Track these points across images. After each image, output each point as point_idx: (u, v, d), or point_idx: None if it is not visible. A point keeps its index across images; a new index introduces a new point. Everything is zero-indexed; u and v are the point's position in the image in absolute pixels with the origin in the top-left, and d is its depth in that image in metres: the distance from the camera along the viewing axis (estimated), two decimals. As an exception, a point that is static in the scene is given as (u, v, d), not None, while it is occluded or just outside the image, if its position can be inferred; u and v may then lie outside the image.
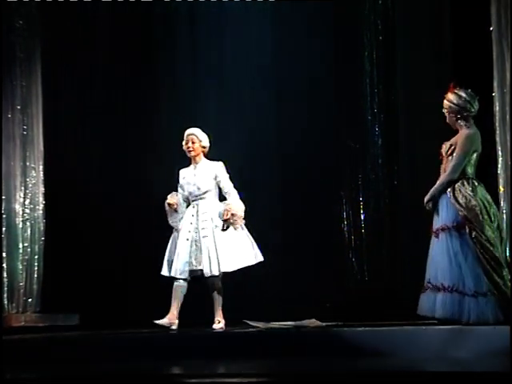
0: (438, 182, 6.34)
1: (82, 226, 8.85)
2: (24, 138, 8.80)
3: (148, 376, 5.31)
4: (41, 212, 8.78)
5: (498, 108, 7.51)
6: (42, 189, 8.83)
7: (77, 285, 8.74)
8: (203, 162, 7.29)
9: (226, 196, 7.24)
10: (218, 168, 7.23)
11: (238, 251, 7.07)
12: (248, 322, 6.97)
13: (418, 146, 8.48)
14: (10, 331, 7.40)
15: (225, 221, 7.07)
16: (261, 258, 7.15)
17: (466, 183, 6.24)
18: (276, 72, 9.02)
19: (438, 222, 6.27)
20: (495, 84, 7.53)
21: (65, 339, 6.98)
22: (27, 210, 8.69)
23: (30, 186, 8.76)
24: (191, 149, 7.24)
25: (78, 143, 9.14)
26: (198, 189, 7.19)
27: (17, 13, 8.78)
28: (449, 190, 6.24)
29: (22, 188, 8.71)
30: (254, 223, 8.79)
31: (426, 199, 6.35)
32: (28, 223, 8.68)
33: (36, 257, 8.68)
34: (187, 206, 7.25)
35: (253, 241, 7.15)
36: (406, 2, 8.66)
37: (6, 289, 8.38)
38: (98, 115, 9.16)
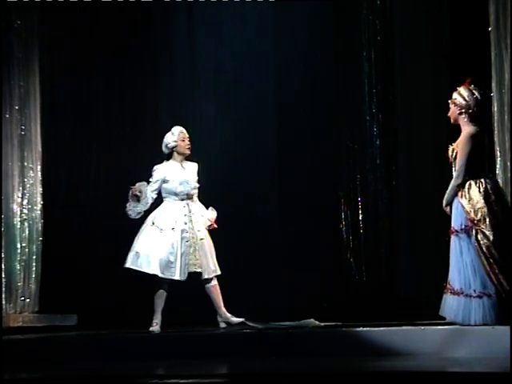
0: (449, 187, 6.31)
1: (79, 226, 8.83)
2: (22, 138, 8.75)
3: (146, 376, 5.30)
4: (39, 212, 8.75)
5: (496, 108, 7.49)
6: (39, 189, 8.79)
7: (75, 285, 8.72)
8: (186, 161, 7.23)
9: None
10: (197, 170, 7.20)
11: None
12: (247, 322, 6.97)
13: (416, 147, 8.49)
14: (7, 331, 7.39)
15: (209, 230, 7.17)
16: None
17: (473, 184, 6.19)
18: (275, 72, 9.02)
19: (450, 224, 6.26)
20: (493, 84, 7.51)
21: (63, 340, 6.98)
22: (25, 210, 8.66)
23: (28, 186, 8.72)
24: (189, 146, 7.20)
25: (76, 143, 9.12)
26: (189, 185, 7.10)
27: (15, 12, 8.75)
28: (459, 193, 6.23)
29: (20, 188, 8.66)
30: (253, 223, 8.79)
31: (444, 205, 6.34)
32: (26, 223, 8.64)
33: (34, 257, 8.64)
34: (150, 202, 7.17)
35: None
36: (404, 2, 8.67)
37: (3, 289, 8.35)
38: (96, 115, 9.15)
